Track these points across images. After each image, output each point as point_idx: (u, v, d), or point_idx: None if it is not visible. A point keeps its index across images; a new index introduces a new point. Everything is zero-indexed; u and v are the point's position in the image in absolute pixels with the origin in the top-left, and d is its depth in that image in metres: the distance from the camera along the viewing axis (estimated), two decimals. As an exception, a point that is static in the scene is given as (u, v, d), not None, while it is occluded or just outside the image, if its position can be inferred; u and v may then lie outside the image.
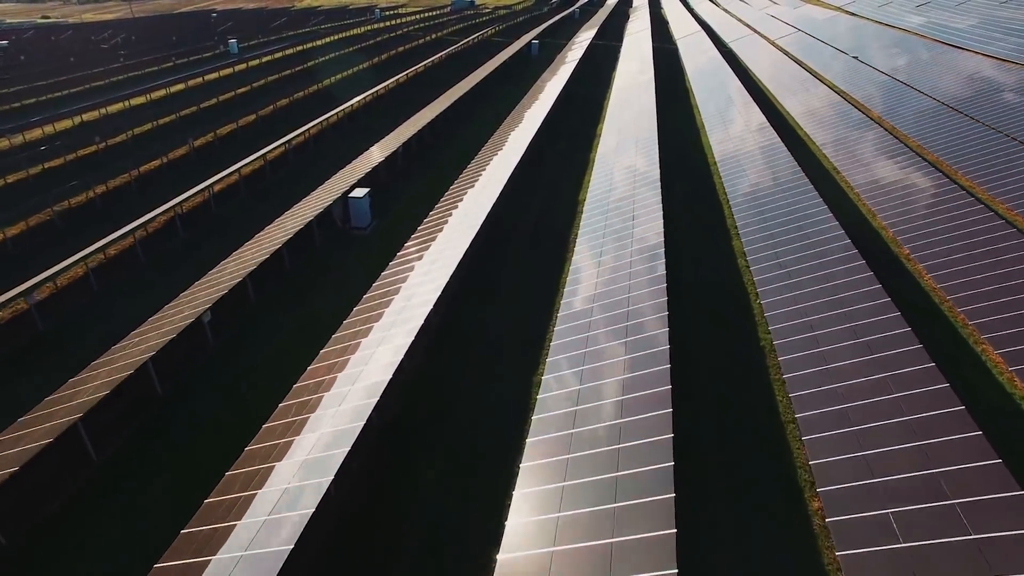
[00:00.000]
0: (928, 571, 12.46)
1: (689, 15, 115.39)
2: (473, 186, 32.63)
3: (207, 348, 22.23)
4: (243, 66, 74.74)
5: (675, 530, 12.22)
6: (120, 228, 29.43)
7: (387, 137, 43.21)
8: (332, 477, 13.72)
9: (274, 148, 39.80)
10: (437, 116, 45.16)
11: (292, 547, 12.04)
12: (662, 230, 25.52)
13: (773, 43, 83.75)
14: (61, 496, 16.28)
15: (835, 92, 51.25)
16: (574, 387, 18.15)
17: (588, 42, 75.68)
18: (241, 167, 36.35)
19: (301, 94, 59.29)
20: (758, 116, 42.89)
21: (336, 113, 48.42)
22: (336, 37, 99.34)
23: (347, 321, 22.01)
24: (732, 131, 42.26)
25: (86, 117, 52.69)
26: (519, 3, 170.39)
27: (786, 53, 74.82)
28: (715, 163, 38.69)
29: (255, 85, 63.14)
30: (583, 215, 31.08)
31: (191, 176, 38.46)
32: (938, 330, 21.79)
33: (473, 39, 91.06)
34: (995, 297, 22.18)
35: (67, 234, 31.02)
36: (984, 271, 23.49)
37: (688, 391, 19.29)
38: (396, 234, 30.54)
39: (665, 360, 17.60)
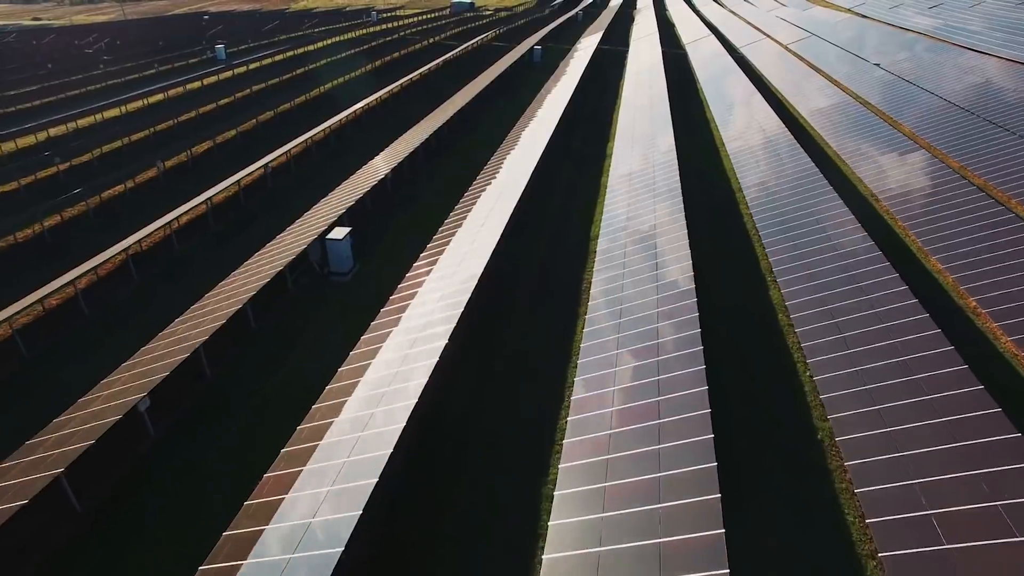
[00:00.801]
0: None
1: (696, 17, 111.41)
2: (471, 220, 28.66)
3: (145, 441, 18.22)
4: (229, 74, 70.71)
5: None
6: (68, 271, 25.48)
7: (376, 159, 39.17)
8: None
9: (251, 172, 35.80)
10: (431, 135, 41.16)
11: None
12: (691, 272, 21.62)
13: (786, 48, 79.81)
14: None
15: (861, 104, 47.25)
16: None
17: (593, 48, 71.67)
18: (213, 195, 32.34)
19: (288, 106, 55.27)
20: (785, 137, 38.83)
21: (323, 130, 44.40)
22: (330, 42, 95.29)
23: (315, 407, 18.03)
24: (758, 155, 38.13)
25: (53, 132, 48.67)
26: (520, 5, 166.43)
27: (802, 59, 70.84)
28: (741, 190, 34.69)
29: (238, 96, 59.09)
30: (597, 256, 27.10)
31: (158, 204, 34.49)
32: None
33: (473, 44, 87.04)
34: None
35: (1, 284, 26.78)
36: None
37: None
38: (382, 279, 26.55)
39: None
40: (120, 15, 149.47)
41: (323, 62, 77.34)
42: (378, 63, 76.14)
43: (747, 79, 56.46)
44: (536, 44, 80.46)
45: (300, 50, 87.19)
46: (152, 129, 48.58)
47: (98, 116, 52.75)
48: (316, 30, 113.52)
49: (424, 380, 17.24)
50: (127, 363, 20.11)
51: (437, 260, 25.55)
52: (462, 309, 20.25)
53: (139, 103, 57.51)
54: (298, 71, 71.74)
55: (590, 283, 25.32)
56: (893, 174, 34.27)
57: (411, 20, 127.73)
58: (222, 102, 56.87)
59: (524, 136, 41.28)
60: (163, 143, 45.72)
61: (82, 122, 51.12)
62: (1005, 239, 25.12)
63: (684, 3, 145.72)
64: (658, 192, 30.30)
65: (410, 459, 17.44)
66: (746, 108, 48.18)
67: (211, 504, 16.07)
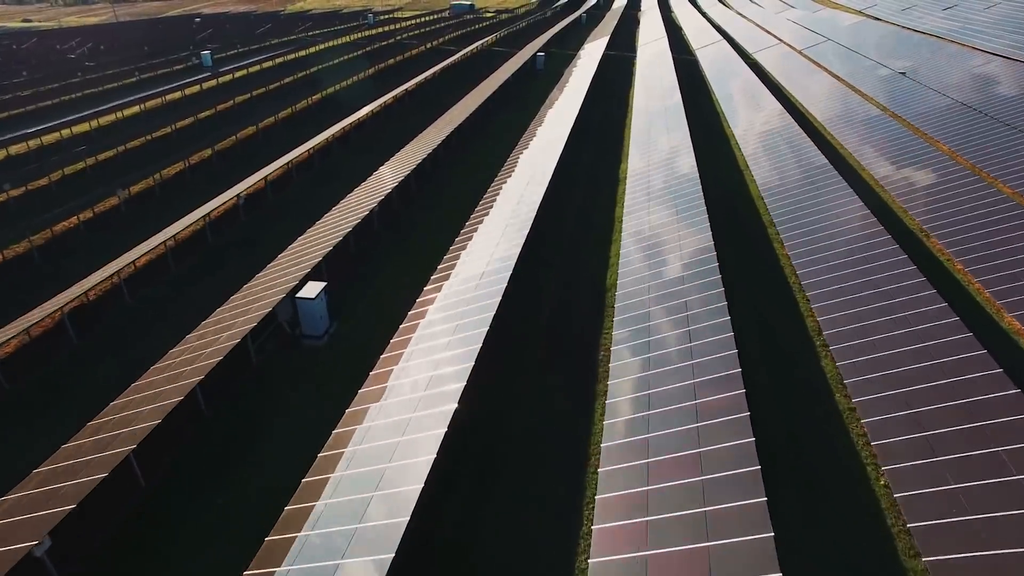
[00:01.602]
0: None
1: (703, 20, 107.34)
2: (466, 266, 24.62)
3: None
4: (213, 83, 66.66)
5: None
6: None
7: (361, 188, 35.06)
8: None
9: (222, 204, 31.77)
10: (425, 158, 37.08)
11: None
12: (735, 352, 17.60)
13: (801, 53, 75.81)
14: None
15: (891, 117, 43.20)
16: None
17: (599, 54, 67.56)
18: (178, 232, 28.30)
19: (271, 120, 51.19)
20: (823, 168, 34.71)
21: (307, 150, 40.30)
22: (324, 46, 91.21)
23: (286, 511, 14.06)
24: (792, 190, 33.85)
25: (13, 151, 44.61)
26: (521, 6, 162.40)
27: (819, 65, 66.77)
28: (772, 223, 30.67)
29: (219, 108, 54.97)
30: (616, 311, 23.10)
31: (115, 240, 30.53)
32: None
33: (472, 49, 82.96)
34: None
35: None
36: None
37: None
38: (365, 342, 22.56)
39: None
40: (112, 17, 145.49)
41: (314, 69, 73.28)
42: (372, 71, 72.08)
43: (767, 91, 52.37)
44: (539, 50, 76.39)
45: (291, 56, 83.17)
46: (123, 147, 44.55)
47: (65, 132, 48.69)
48: (310, 34, 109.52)
49: (419, 488, 13.23)
50: (26, 480, 16.10)
51: (431, 320, 21.53)
52: (462, 389, 16.25)
53: (112, 116, 53.41)
54: (286, 80, 67.69)
55: (608, 351, 21.30)
56: (946, 210, 30.25)
57: (409, 23, 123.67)
58: (202, 115, 52.82)
59: (526, 160, 37.21)
60: (133, 163, 41.70)
61: (47, 139, 47.09)
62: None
63: (689, 4, 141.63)
64: (684, 244, 25.98)
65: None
66: (770, 127, 44.07)
67: None
